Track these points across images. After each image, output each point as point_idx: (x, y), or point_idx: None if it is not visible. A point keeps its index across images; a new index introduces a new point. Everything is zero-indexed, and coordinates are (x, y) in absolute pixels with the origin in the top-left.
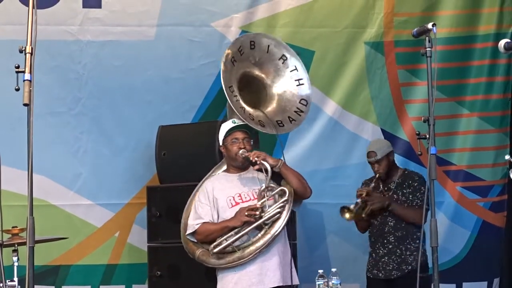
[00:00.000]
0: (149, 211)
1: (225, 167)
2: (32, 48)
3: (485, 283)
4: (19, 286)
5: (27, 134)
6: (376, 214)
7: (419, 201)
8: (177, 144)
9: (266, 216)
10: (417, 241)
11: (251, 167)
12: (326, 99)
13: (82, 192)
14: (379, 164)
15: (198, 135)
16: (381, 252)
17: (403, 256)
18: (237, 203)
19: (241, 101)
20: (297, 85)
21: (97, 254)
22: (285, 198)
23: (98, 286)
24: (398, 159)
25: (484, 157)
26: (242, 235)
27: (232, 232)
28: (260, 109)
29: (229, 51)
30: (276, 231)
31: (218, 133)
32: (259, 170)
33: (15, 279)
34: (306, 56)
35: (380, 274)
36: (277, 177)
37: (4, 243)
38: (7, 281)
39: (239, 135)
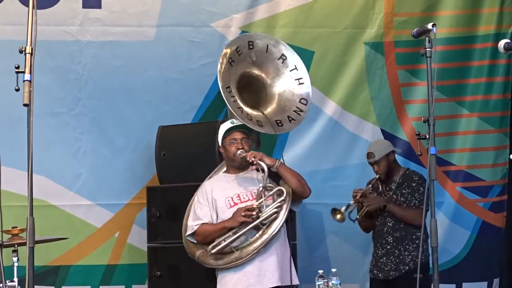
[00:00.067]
0: (149, 212)
1: (226, 168)
2: (32, 49)
3: (485, 283)
4: (19, 287)
5: (27, 134)
6: (375, 215)
7: (416, 202)
8: (177, 144)
9: (263, 216)
10: (417, 242)
11: (250, 167)
12: (326, 99)
13: (82, 193)
14: (378, 165)
15: (198, 136)
16: (380, 252)
17: (401, 257)
18: (235, 204)
19: (239, 102)
20: (297, 85)
21: (97, 255)
22: (283, 198)
23: (98, 286)
24: (398, 159)
25: (484, 158)
26: (240, 236)
27: (230, 233)
28: (259, 109)
29: (227, 51)
30: (274, 231)
31: (218, 134)
32: (258, 170)
33: (15, 279)
34: (306, 57)
35: (380, 275)
36: (276, 177)
37: (4, 244)
38: (7, 281)
39: (238, 135)
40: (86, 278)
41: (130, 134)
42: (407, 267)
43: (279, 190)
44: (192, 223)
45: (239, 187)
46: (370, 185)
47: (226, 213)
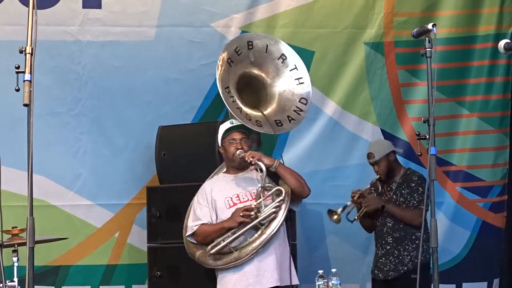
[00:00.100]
0: (149, 212)
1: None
2: (32, 49)
3: (485, 283)
4: (19, 287)
5: (27, 134)
6: (376, 215)
7: (415, 202)
8: (177, 144)
9: (261, 216)
10: (416, 242)
11: (250, 167)
12: (326, 99)
13: (82, 193)
14: (378, 165)
15: (198, 136)
16: (380, 252)
17: (400, 257)
18: (235, 204)
19: (238, 102)
20: (297, 84)
21: (97, 255)
22: (281, 197)
23: (98, 286)
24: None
25: (484, 158)
26: (239, 236)
27: (229, 233)
28: (260, 109)
29: (225, 52)
30: (272, 231)
31: (218, 134)
32: (258, 170)
33: (15, 279)
34: (306, 57)
35: (380, 275)
36: (276, 177)
37: (4, 244)
38: (7, 281)
39: (237, 135)
40: (86, 278)
41: (130, 134)
42: (405, 268)
43: (278, 190)
44: (191, 224)
45: (239, 187)
46: (369, 185)
47: (225, 214)
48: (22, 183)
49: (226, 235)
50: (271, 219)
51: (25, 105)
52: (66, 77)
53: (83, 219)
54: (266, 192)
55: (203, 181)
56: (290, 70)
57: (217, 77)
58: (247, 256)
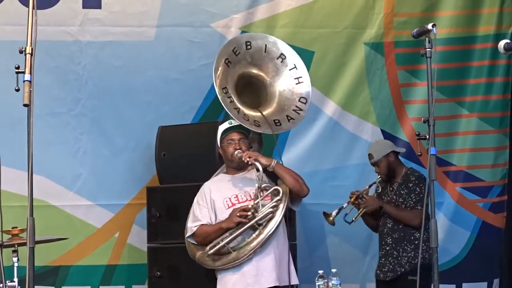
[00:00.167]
0: (149, 212)
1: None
2: (32, 49)
3: (485, 283)
4: (19, 287)
5: (27, 134)
6: (378, 216)
7: (412, 203)
8: (177, 144)
9: (259, 216)
10: (415, 242)
11: (249, 167)
12: (326, 99)
13: (82, 193)
14: (377, 166)
15: (198, 136)
16: (380, 253)
17: (399, 258)
18: (233, 204)
19: (236, 102)
20: (296, 83)
21: (97, 255)
22: (279, 197)
23: (98, 286)
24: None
25: (484, 158)
26: (236, 236)
27: (227, 234)
28: (260, 109)
29: (222, 53)
30: (270, 231)
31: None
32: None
33: (15, 279)
34: (306, 57)
35: (381, 275)
36: (275, 176)
37: (4, 244)
38: (7, 281)
39: (235, 136)
40: (86, 278)
41: (130, 134)
42: (402, 269)
43: (275, 189)
44: (191, 225)
45: (238, 187)
46: (368, 186)
47: (224, 214)
48: (22, 183)
49: (224, 235)
50: (268, 219)
51: (25, 105)
52: (66, 77)
53: (83, 219)
54: (263, 192)
55: (203, 181)
56: (290, 70)
57: (214, 78)
58: (245, 256)
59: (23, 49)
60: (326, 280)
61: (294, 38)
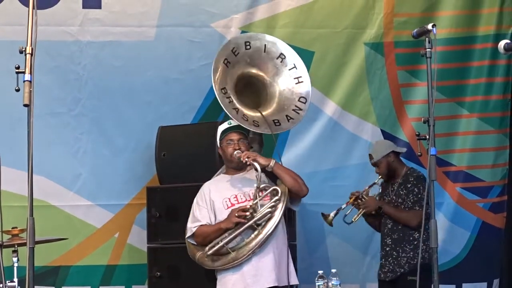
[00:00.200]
0: (149, 212)
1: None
2: (32, 49)
3: (485, 283)
4: (19, 287)
5: (27, 134)
6: (379, 216)
7: (410, 203)
8: (177, 144)
9: (257, 216)
10: (414, 243)
11: (249, 168)
12: (326, 99)
13: (82, 193)
14: (378, 166)
15: (198, 136)
16: (381, 254)
17: (398, 258)
18: (233, 205)
19: (235, 102)
20: (296, 83)
21: (97, 255)
22: (277, 197)
23: (98, 286)
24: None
25: (484, 158)
26: (235, 236)
27: (226, 234)
28: (260, 109)
29: (221, 54)
30: (269, 231)
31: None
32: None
33: (15, 279)
34: (306, 57)
35: (382, 276)
36: (275, 176)
37: (4, 244)
38: (7, 281)
39: (234, 136)
40: (86, 278)
41: (130, 134)
42: (402, 270)
43: (274, 189)
44: (191, 225)
45: (237, 188)
46: (368, 187)
47: (223, 214)
48: (22, 183)
49: (223, 236)
50: (267, 219)
51: (25, 105)
52: (66, 77)
53: (83, 219)
54: (262, 192)
55: (203, 182)
56: (289, 69)
57: (213, 78)
58: (244, 257)
59: (23, 49)
60: (326, 280)
61: (294, 38)
